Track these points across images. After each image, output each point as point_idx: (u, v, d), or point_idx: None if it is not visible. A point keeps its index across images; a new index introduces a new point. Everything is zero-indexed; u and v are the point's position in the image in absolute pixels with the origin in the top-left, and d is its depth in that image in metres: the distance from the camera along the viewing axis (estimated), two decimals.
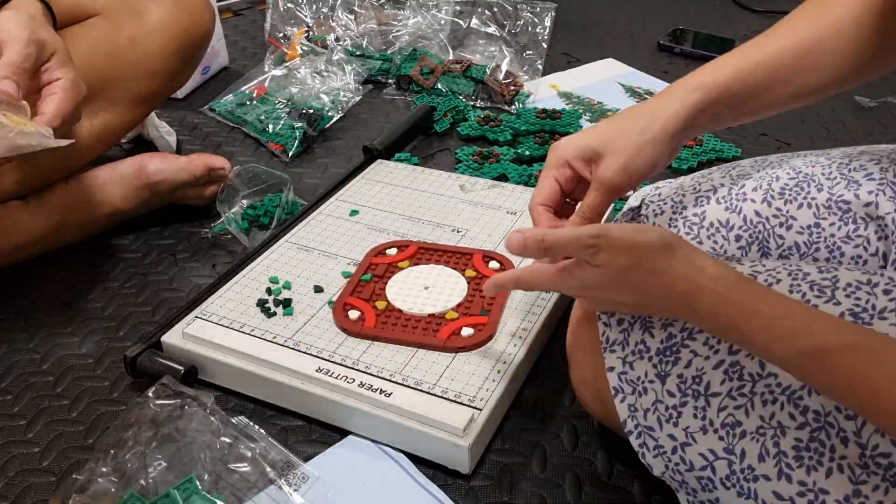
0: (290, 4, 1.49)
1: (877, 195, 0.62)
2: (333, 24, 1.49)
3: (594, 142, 0.63)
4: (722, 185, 0.69)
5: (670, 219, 0.69)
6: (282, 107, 1.27)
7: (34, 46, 0.73)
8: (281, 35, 1.48)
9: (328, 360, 0.73)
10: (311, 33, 1.48)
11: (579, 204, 0.65)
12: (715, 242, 0.66)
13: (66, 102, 0.75)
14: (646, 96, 1.34)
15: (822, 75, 0.63)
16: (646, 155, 0.61)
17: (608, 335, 0.60)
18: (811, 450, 0.50)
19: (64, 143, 0.71)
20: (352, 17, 1.48)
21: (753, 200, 0.66)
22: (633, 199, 0.74)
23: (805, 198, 0.65)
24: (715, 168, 0.74)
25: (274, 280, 0.84)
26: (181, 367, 0.74)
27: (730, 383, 0.53)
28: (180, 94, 1.38)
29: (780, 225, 0.65)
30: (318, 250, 0.89)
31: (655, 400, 0.56)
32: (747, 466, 0.52)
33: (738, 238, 0.66)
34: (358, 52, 1.44)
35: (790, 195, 0.65)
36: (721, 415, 0.53)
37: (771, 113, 0.66)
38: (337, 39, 1.47)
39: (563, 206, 0.67)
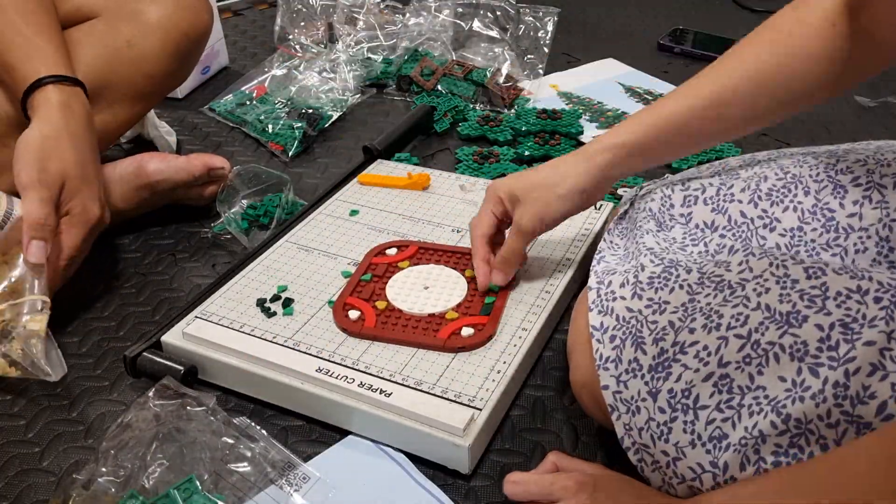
0: (300, 6, 1.49)
1: (861, 205, 0.63)
2: (337, 26, 1.49)
3: (518, 189, 0.75)
4: (710, 185, 0.69)
5: (659, 208, 0.69)
6: (281, 107, 1.27)
7: (47, 189, 0.78)
8: (290, 37, 1.48)
9: (328, 360, 0.73)
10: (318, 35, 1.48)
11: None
12: (705, 245, 0.66)
13: (72, 240, 0.80)
14: (646, 96, 1.34)
15: (731, 125, 0.70)
16: (555, 207, 0.73)
17: (601, 352, 0.60)
18: (789, 455, 0.50)
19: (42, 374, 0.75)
20: (353, 25, 1.48)
21: (740, 201, 0.67)
22: (622, 205, 0.75)
23: (791, 201, 0.65)
24: (705, 165, 0.74)
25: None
26: (181, 367, 0.74)
27: (718, 396, 0.53)
28: (180, 94, 1.39)
29: (764, 226, 0.66)
30: (318, 250, 0.89)
31: (648, 418, 0.56)
32: (730, 477, 0.52)
33: (721, 237, 0.67)
34: (360, 56, 1.44)
35: (777, 197, 0.66)
36: (709, 428, 0.53)
37: (696, 151, 0.74)
38: (337, 40, 1.47)
39: (498, 235, 0.81)
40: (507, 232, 0.80)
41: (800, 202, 0.65)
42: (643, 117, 0.70)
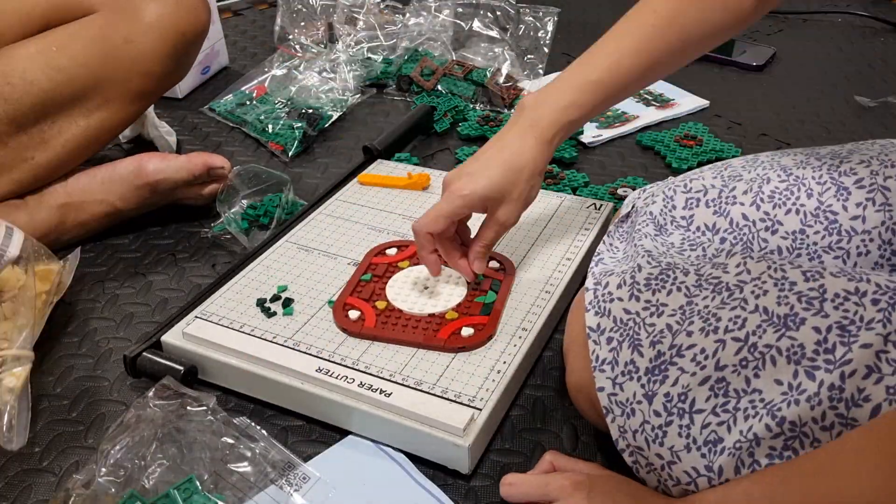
0: (300, 6, 1.49)
1: (864, 207, 0.63)
2: (337, 26, 1.49)
3: (493, 191, 0.74)
4: (713, 187, 0.69)
5: (661, 210, 0.69)
6: (281, 107, 1.27)
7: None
8: (290, 37, 1.48)
9: (328, 360, 0.73)
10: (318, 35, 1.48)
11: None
12: (703, 250, 0.66)
13: None
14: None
15: (654, 81, 0.81)
16: (531, 198, 0.77)
17: (598, 353, 0.60)
18: (783, 457, 0.50)
19: None
20: (353, 25, 1.48)
21: (742, 203, 0.67)
22: (624, 207, 0.75)
23: (794, 203, 0.65)
24: (707, 167, 0.74)
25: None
26: (181, 367, 0.74)
27: (714, 400, 0.53)
28: (180, 94, 1.39)
29: (766, 229, 0.65)
30: (318, 250, 0.89)
31: (643, 421, 0.56)
32: (725, 481, 0.52)
33: (722, 240, 0.66)
34: (360, 56, 1.43)
35: (780, 199, 0.66)
36: (704, 432, 0.53)
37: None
38: (337, 40, 1.47)
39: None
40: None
41: (802, 204, 0.65)
42: (584, 95, 0.76)
